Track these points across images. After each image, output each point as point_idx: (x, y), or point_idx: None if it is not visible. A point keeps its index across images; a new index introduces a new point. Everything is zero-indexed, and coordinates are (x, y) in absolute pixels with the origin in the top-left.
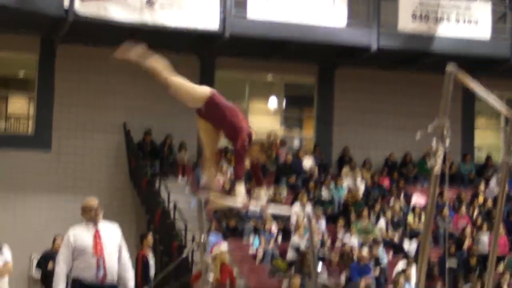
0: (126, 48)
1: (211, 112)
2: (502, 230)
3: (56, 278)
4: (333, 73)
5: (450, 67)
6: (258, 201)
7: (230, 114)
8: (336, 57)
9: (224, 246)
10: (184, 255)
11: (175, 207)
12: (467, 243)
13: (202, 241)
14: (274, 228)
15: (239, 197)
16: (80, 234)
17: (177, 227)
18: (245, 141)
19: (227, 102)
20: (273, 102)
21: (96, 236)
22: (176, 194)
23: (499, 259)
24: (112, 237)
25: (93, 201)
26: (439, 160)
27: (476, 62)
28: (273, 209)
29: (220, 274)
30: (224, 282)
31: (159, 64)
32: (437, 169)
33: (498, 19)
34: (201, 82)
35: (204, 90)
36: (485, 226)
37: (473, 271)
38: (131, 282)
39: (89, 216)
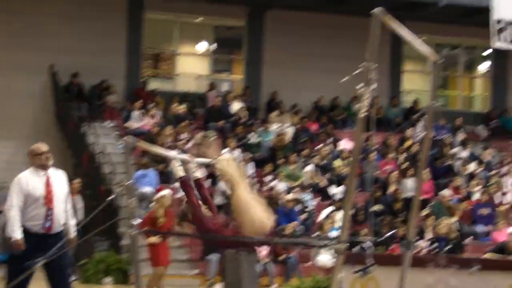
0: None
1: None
2: (427, 174)
3: (11, 223)
4: (263, 15)
5: (377, 10)
6: None
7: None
8: None
9: (166, 190)
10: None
11: (102, 151)
12: (392, 187)
13: (128, 184)
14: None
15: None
16: (32, 180)
17: (104, 171)
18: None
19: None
20: (202, 44)
21: (48, 184)
22: (104, 138)
23: (424, 203)
24: (61, 185)
25: (43, 146)
26: (365, 104)
27: (405, 5)
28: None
29: (165, 218)
30: (169, 226)
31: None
32: (363, 112)
33: None
34: (130, 22)
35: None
36: (410, 171)
37: (398, 215)
38: (73, 229)
39: (39, 161)
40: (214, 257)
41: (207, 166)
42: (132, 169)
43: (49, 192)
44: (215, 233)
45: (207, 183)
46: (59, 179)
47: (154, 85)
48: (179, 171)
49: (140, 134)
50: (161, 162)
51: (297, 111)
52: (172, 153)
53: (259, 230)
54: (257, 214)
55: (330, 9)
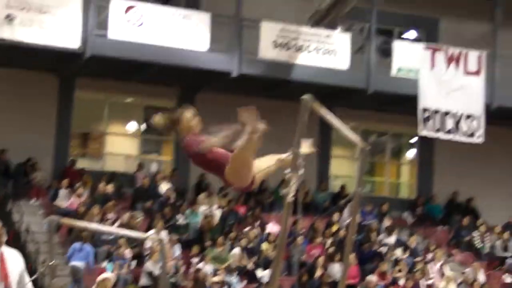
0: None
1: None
2: (353, 259)
3: None
4: (194, 97)
5: (306, 97)
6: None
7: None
8: (197, 81)
9: (108, 273)
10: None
11: (27, 229)
12: (319, 272)
13: (51, 264)
14: (127, 253)
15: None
16: None
17: (28, 249)
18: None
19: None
20: (132, 125)
21: (1, 260)
22: (29, 216)
23: None
24: (16, 262)
25: None
26: (293, 188)
27: (335, 91)
28: (128, 233)
29: None
30: None
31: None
32: (290, 197)
33: (356, 50)
34: (60, 101)
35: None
36: (337, 256)
37: None
38: None
39: None
40: None
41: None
42: (55, 248)
43: (3, 268)
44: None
45: (132, 264)
46: (13, 255)
47: (82, 164)
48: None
49: (66, 213)
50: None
51: (225, 193)
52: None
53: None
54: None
55: (259, 94)
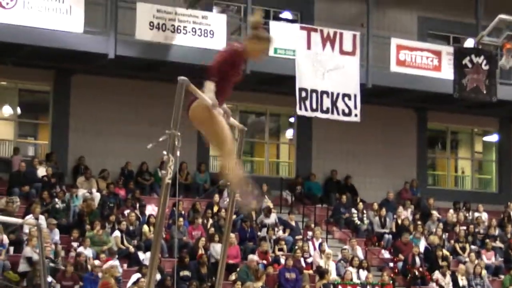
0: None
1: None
2: (234, 240)
3: None
4: (70, 80)
5: (181, 78)
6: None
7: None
8: (72, 63)
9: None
10: None
11: None
12: (200, 252)
13: None
14: (5, 239)
15: (208, 93)
16: None
17: None
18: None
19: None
20: (6, 108)
21: None
22: None
23: (231, 267)
24: None
25: None
26: (170, 169)
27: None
28: (5, 219)
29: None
30: None
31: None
32: (167, 178)
33: (233, 31)
34: None
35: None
36: (217, 236)
37: (205, 280)
38: None
39: None
40: None
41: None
42: None
43: None
44: None
45: (11, 250)
46: None
47: None
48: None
49: None
50: None
51: (105, 176)
52: None
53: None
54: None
55: (136, 76)
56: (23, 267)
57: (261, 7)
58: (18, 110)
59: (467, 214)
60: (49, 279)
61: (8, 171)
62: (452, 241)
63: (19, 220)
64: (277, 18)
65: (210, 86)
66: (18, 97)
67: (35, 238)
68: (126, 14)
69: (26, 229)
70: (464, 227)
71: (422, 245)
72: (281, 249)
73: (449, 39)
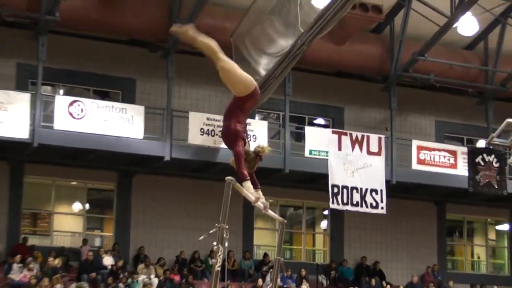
0: (180, 26)
1: (243, 102)
2: None
3: None
4: (131, 179)
5: (229, 177)
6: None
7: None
8: (133, 165)
9: None
10: None
11: None
12: None
13: None
14: None
15: (251, 194)
16: None
17: None
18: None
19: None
20: (76, 205)
21: None
22: None
23: None
24: None
25: None
26: (219, 258)
27: (256, 171)
28: None
29: None
30: None
31: (212, 43)
32: (217, 265)
33: (273, 135)
34: (11, 185)
35: (252, 80)
36: None
37: None
38: None
39: None
40: None
41: None
42: None
43: None
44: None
45: None
46: None
47: (33, 241)
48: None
49: (19, 286)
50: None
51: (161, 264)
52: None
53: (249, 86)
54: (243, 72)
55: (189, 176)
56: None
57: (297, 114)
58: (87, 206)
59: None
60: None
61: (77, 260)
62: None
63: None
64: (311, 124)
65: (248, 184)
66: (87, 195)
67: None
68: (180, 122)
69: None
70: None
71: None
72: None
73: (463, 140)
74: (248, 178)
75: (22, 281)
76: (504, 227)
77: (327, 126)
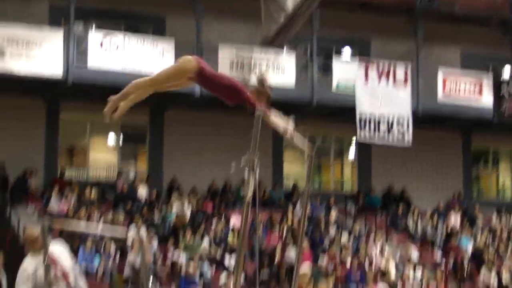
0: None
1: (205, 83)
2: (306, 245)
3: None
4: (163, 115)
5: (259, 110)
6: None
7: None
8: (165, 101)
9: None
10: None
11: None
12: (277, 257)
13: (45, 262)
14: (112, 248)
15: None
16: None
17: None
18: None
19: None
20: (111, 139)
21: (53, 261)
22: (26, 221)
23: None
24: (66, 257)
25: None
26: (251, 188)
27: (284, 105)
28: (112, 232)
29: None
30: None
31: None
32: (249, 195)
33: (301, 68)
34: (47, 122)
35: (189, 63)
36: (292, 243)
37: (282, 281)
38: None
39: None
40: None
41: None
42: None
43: (60, 267)
44: None
45: (117, 258)
46: (61, 252)
47: (70, 174)
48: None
49: (57, 217)
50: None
51: (195, 194)
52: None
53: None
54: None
55: (218, 110)
56: (127, 272)
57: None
58: (121, 141)
59: (508, 220)
60: (150, 282)
61: (113, 192)
62: (496, 244)
63: (125, 232)
64: (339, 53)
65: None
66: (121, 130)
67: (137, 247)
68: (210, 55)
69: (129, 240)
70: (506, 231)
71: (470, 247)
72: (346, 253)
73: (489, 70)
74: (268, 112)
75: (60, 212)
76: None
77: (354, 57)
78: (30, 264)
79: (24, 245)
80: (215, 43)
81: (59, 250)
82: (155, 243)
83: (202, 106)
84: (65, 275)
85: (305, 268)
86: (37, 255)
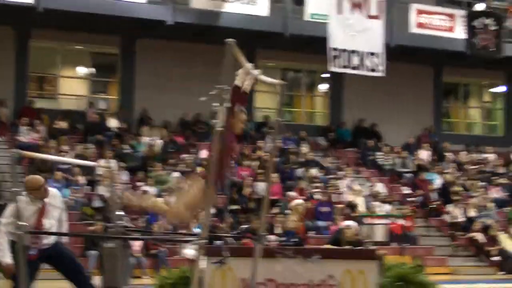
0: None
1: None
2: (275, 179)
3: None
4: (135, 44)
5: (229, 41)
6: None
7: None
8: (137, 29)
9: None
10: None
11: None
12: (247, 190)
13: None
14: (82, 179)
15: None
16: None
17: None
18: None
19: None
20: (82, 69)
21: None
22: None
23: (274, 202)
24: (56, 202)
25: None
26: (220, 119)
27: (257, 35)
28: (82, 162)
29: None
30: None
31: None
32: (217, 126)
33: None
34: (17, 50)
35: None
36: (262, 176)
37: (252, 213)
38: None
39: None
40: (93, 252)
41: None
42: (18, 177)
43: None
44: None
45: (86, 188)
46: (54, 197)
47: (39, 104)
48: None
49: (27, 147)
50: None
51: (165, 126)
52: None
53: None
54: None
55: (190, 39)
56: (96, 203)
57: None
58: (92, 70)
59: (477, 155)
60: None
61: (83, 123)
62: (464, 179)
63: (94, 163)
64: None
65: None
66: (91, 59)
67: (106, 178)
68: None
69: (99, 171)
70: (475, 167)
71: (438, 182)
72: (316, 187)
73: (462, 4)
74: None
75: (30, 143)
76: (500, 89)
77: None
78: (28, 207)
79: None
80: None
81: (53, 194)
82: (125, 174)
83: (175, 34)
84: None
85: (298, 200)
86: (35, 202)
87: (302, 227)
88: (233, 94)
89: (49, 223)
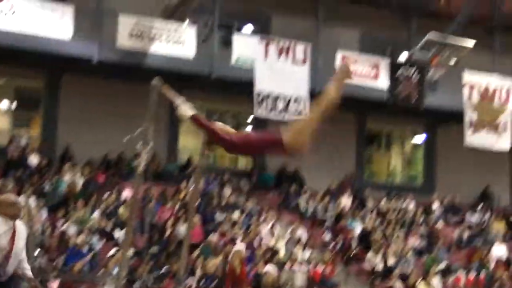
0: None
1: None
2: (197, 221)
3: None
4: (60, 79)
5: (155, 81)
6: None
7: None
8: (62, 65)
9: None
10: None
11: None
12: (168, 231)
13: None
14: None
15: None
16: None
17: None
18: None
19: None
20: (4, 103)
21: (13, 231)
22: None
23: (194, 246)
24: (22, 235)
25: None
26: (143, 159)
27: (183, 77)
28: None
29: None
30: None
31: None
32: (140, 166)
33: (202, 41)
34: None
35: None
36: (184, 218)
37: (172, 256)
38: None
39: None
40: None
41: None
42: None
43: (13, 239)
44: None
45: None
46: (21, 229)
47: None
48: (188, 110)
49: None
50: None
51: (88, 163)
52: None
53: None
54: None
55: (116, 77)
56: None
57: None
58: (14, 104)
59: (397, 204)
60: (37, 251)
61: (4, 158)
62: (384, 226)
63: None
64: (240, 30)
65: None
66: (14, 94)
67: (25, 216)
68: (109, 23)
69: None
70: (395, 214)
71: (359, 228)
72: (237, 231)
73: (386, 53)
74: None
75: None
76: (420, 139)
77: (255, 33)
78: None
79: None
80: (116, 11)
81: (21, 226)
82: (44, 212)
83: (101, 72)
84: (11, 245)
85: (240, 246)
86: (6, 220)
87: (243, 272)
88: (203, 122)
89: (20, 248)
